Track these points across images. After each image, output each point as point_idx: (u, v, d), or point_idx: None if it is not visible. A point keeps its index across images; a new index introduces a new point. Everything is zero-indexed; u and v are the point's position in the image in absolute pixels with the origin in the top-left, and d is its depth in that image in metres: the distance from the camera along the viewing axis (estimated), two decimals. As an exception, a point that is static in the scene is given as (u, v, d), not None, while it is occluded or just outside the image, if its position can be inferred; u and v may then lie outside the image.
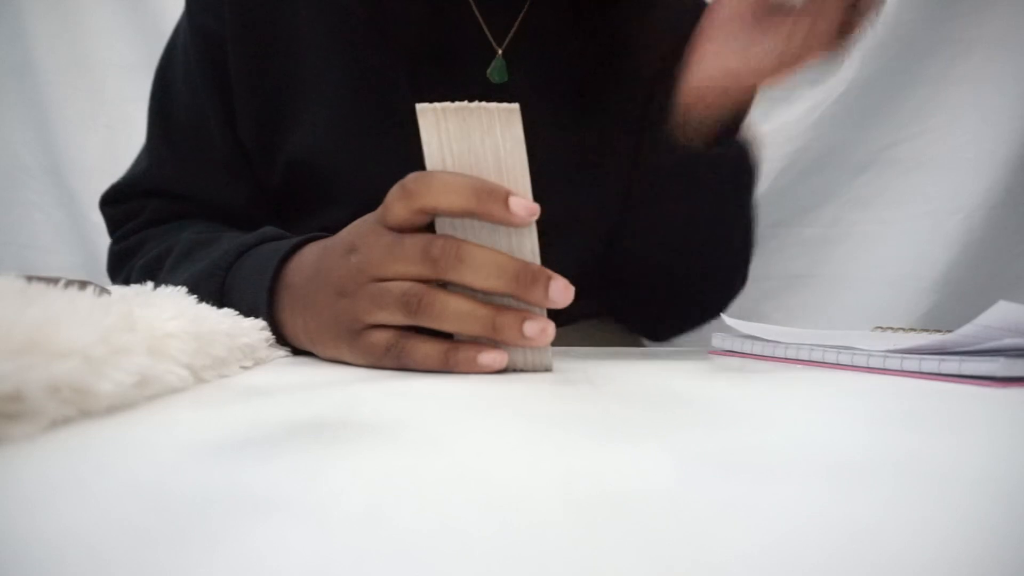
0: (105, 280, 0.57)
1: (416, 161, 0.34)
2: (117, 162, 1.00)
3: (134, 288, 0.39)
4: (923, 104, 0.91)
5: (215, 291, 0.43)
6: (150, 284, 0.38)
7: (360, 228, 0.37)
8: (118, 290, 0.36)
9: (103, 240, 1.00)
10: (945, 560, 0.12)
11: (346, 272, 0.36)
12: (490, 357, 0.34)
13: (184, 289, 0.38)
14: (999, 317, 0.34)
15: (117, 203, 0.61)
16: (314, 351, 0.40)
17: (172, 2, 0.98)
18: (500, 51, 0.56)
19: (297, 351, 0.41)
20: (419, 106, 0.34)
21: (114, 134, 1.01)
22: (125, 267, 0.58)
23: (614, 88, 0.58)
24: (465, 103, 0.34)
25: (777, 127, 0.92)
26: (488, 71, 0.55)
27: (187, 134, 0.58)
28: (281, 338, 0.41)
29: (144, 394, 0.24)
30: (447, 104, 0.34)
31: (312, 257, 0.40)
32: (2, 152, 1.03)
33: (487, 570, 0.11)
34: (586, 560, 0.11)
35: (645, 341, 0.83)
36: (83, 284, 0.28)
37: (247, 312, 0.39)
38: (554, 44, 0.56)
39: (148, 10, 0.99)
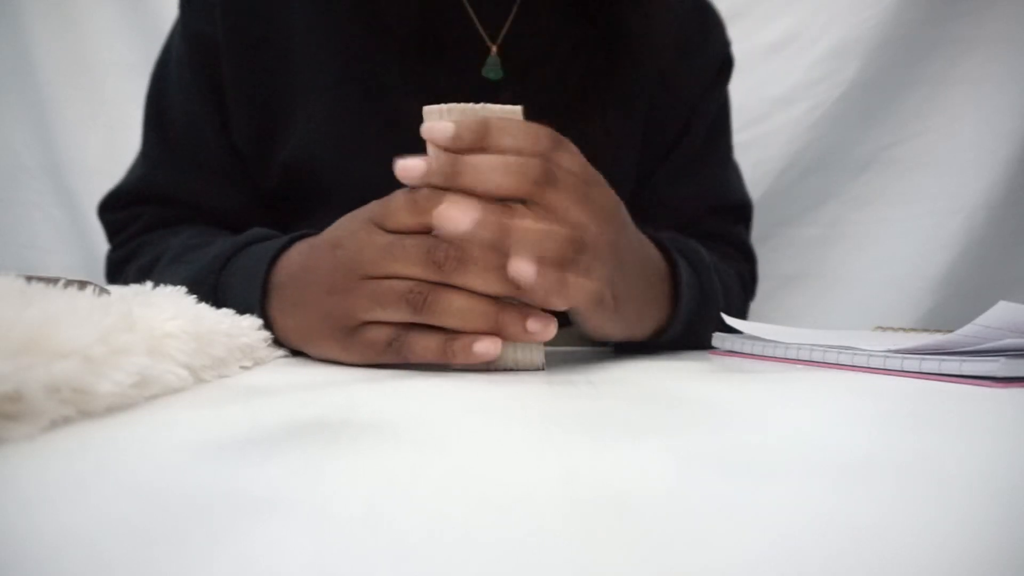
0: (104, 280, 0.57)
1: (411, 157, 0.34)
2: (117, 162, 1.00)
3: (134, 288, 0.39)
4: (923, 104, 0.90)
5: (208, 294, 0.43)
6: (148, 284, 0.38)
7: (349, 225, 0.37)
8: (117, 290, 0.36)
9: (103, 240, 1.00)
10: (946, 560, 0.12)
11: (335, 269, 0.36)
12: (484, 345, 0.34)
13: (183, 289, 0.38)
14: (999, 317, 0.34)
15: (114, 210, 0.61)
16: (305, 350, 0.40)
17: (172, 2, 0.98)
18: (494, 48, 0.55)
19: (294, 351, 0.41)
20: (426, 108, 0.34)
21: (114, 134, 1.01)
22: (122, 273, 0.58)
23: (611, 82, 0.57)
24: (471, 104, 0.34)
25: (777, 127, 0.92)
26: (483, 70, 0.55)
27: (182, 140, 0.58)
28: (274, 338, 0.41)
29: (144, 394, 0.24)
30: (452, 105, 0.34)
31: (299, 256, 0.40)
32: (2, 152, 1.03)
33: (487, 570, 0.11)
34: (586, 560, 0.11)
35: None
36: (83, 284, 0.28)
37: (240, 313, 0.39)
38: (548, 40, 0.56)
39: (148, 10, 0.99)
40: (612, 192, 0.39)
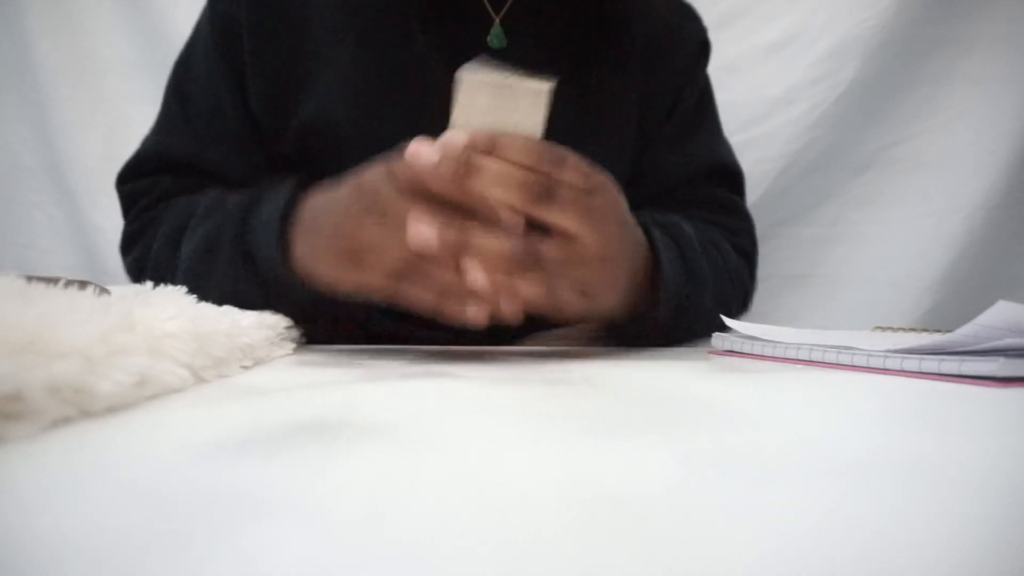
0: (105, 280, 0.57)
1: (423, 120, 0.37)
2: (117, 162, 1.00)
3: (134, 288, 0.39)
4: (923, 104, 0.90)
5: (237, 224, 0.48)
6: (149, 284, 0.39)
7: (375, 166, 0.40)
8: (118, 290, 0.36)
9: (103, 240, 1.00)
10: (945, 560, 0.12)
11: (356, 198, 0.41)
12: (475, 310, 0.37)
13: (183, 289, 0.38)
14: (999, 317, 0.34)
15: (134, 179, 0.64)
16: (315, 271, 0.43)
17: (172, 2, 0.98)
18: (498, 19, 0.60)
19: (300, 345, 0.41)
20: (461, 75, 0.36)
21: (114, 134, 1.01)
22: (140, 241, 0.60)
23: (606, 52, 0.63)
24: (501, 77, 0.36)
25: (777, 127, 0.92)
26: (488, 38, 0.59)
27: (202, 110, 0.62)
28: (291, 274, 0.45)
29: (144, 394, 0.24)
30: (484, 77, 0.36)
31: (325, 190, 0.45)
32: (2, 152, 1.03)
33: (487, 570, 0.11)
34: (586, 561, 0.11)
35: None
36: (83, 284, 0.28)
37: (263, 237, 0.45)
38: (550, 12, 0.61)
39: (148, 10, 0.99)
40: (613, 191, 0.41)
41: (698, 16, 0.74)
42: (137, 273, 0.60)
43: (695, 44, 0.71)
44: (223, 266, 0.50)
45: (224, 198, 0.55)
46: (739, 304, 0.65)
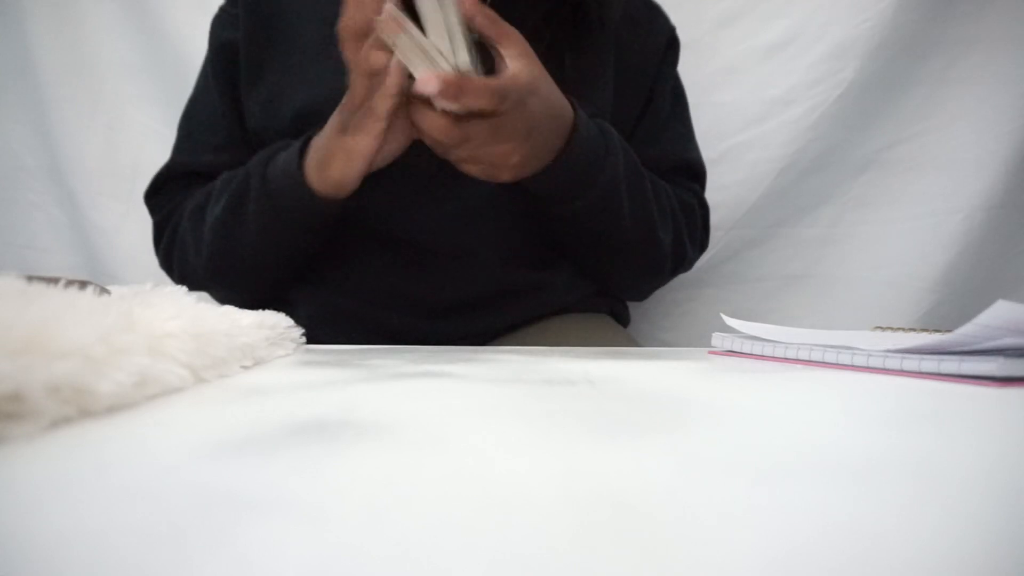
0: (105, 280, 0.57)
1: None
2: (117, 162, 1.01)
3: (133, 288, 0.39)
4: (923, 104, 0.90)
5: (262, 167, 0.60)
6: (149, 284, 0.39)
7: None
8: (118, 290, 0.36)
9: (103, 240, 1.00)
10: (945, 561, 0.12)
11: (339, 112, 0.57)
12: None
13: (183, 289, 0.38)
14: (998, 317, 0.34)
15: (155, 194, 0.74)
16: (321, 161, 0.56)
17: (172, 2, 0.98)
18: None
19: (300, 345, 0.42)
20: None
21: (114, 134, 1.01)
22: (167, 227, 0.71)
23: (584, 42, 0.67)
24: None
25: (777, 127, 0.92)
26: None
27: (201, 123, 0.72)
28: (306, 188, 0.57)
29: (144, 394, 0.24)
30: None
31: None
32: (2, 152, 1.02)
33: (487, 570, 0.11)
34: (586, 560, 0.11)
35: (641, 341, 0.83)
36: (83, 284, 0.28)
37: (283, 175, 0.58)
38: (521, 10, 0.66)
39: (148, 10, 0.99)
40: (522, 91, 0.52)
41: (666, 14, 0.78)
42: (167, 256, 0.71)
43: (664, 36, 0.76)
44: (252, 206, 0.60)
45: (236, 172, 0.64)
46: (675, 232, 0.72)
